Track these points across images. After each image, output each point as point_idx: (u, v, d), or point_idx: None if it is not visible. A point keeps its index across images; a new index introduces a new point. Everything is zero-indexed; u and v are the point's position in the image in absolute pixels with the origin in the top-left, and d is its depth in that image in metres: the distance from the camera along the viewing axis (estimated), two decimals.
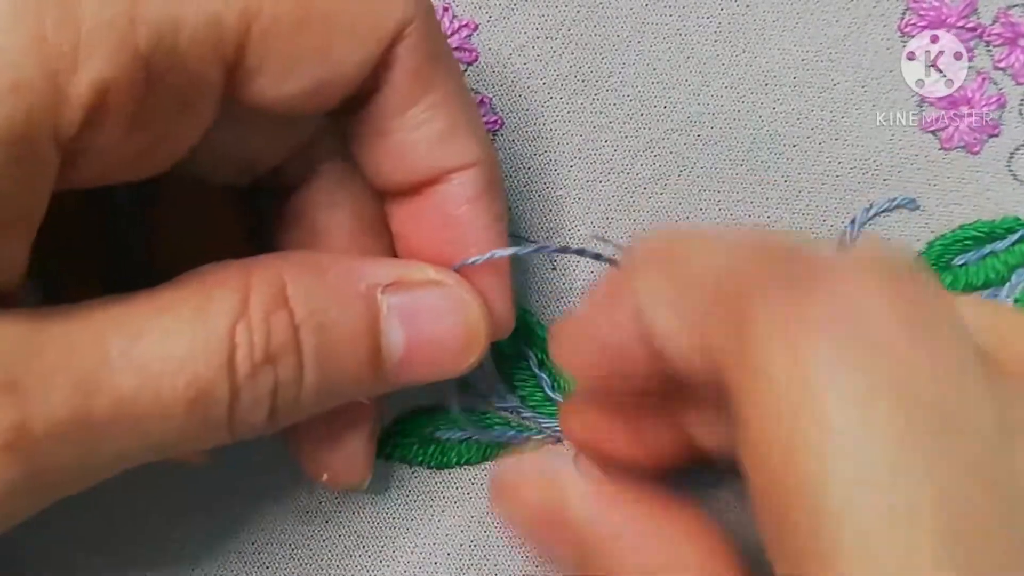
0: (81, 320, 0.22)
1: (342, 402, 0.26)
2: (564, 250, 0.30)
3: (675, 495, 0.24)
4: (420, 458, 0.32)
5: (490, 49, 0.32)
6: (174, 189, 0.28)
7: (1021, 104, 0.33)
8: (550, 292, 0.32)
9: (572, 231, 0.32)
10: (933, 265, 0.33)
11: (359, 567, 0.32)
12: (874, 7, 0.32)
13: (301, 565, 0.32)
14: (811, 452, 0.17)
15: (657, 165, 0.32)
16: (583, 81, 0.32)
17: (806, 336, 0.17)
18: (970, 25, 0.32)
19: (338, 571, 0.32)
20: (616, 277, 0.23)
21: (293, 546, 0.32)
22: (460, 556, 0.32)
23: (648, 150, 0.32)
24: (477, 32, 0.32)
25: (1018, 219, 0.33)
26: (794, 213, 0.32)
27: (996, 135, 0.33)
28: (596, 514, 0.24)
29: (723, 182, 0.32)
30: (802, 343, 0.17)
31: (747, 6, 0.32)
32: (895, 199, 0.33)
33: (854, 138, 0.32)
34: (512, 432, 0.32)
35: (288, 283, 0.24)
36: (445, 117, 0.25)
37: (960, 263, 0.33)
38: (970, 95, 0.32)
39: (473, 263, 0.27)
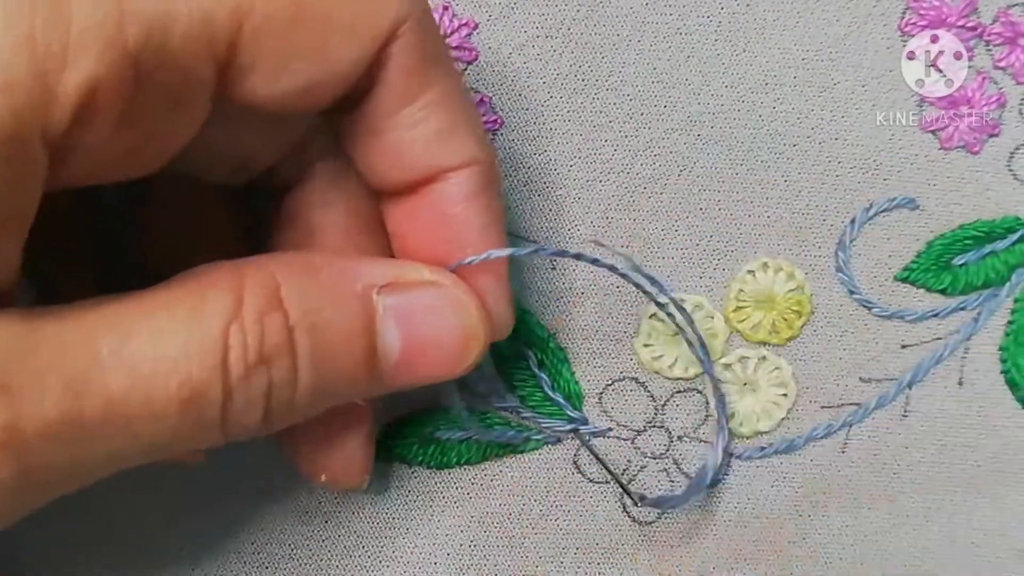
0: (73, 320, 0.22)
1: (338, 404, 0.26)
2: (562, 253, 0.29)
3: None
4: (420, 458, 0.32)
5: (490, 48, 0.32)
6: (167, 189, 0.28)
7: (1021, 104, 0.33)
8: (550, 292, 0.32)
9: (572, 230, 0.32)
10: (933, 265, 0.33)
11: (359, 567, 0.32)
12: (874, 6, 0.32)
13: (301, 565, 0.32)
14: None
15: (657, 164, 0.32)
16: (583, 80, 0.32)
17: None
18: (970, 24, 0.32)
19: (338, 571, 0.32)
20: None
21: (293, 546, 0.32)
22: (460, 556, 0.32)
23: (648, 149, 0.32)
24: (477, 31, 0.32)
25: (1018, 219, 0.33)
26: (794, 212, 0.32)
27: (996, 135, 0.33)
28: None
29: (723, 182, 0.32)
30: None
31: (747, 5, 0.32)
32: (895, 199, 0.32)
33: (854, 137, 0.32)
34: (512, 432, 0.32)
35: (282, 284, 0.24)
36: (442, 116, 0.25)
37: (960, 263, 0.33)
38: (970, 95, 0.32)
39: (470, 263, 0.26)
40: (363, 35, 0.24)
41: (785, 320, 0.33)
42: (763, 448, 0.33)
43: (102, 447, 0.22)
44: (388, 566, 0.32)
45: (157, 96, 0.22)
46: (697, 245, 0.32)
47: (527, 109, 0.32)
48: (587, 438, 0.32)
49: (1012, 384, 0.33)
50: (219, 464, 0.31)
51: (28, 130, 0.20)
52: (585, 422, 0.32)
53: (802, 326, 0.33)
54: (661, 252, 0.32)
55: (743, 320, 0.33)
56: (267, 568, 0.32)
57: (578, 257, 0.29)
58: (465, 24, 0.32)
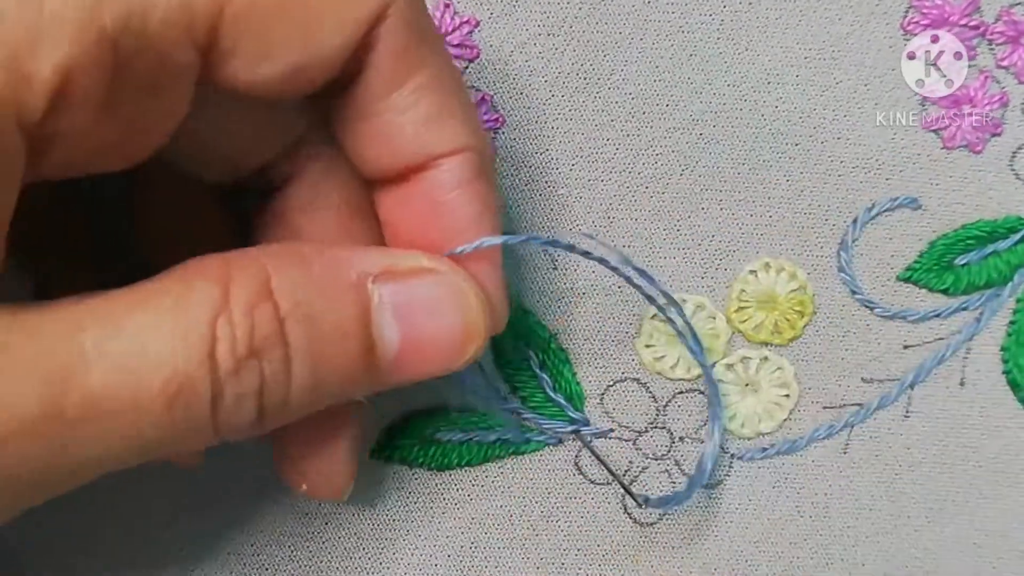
0: (56, 313, 0.21)
1: (335, 401, 0.25)
2: (554, 243, 0.29)
3: None
4: (420, 459, 0.32)
5: (491, 46, 0.31)
6: (162, 186, 0.28)
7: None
8: (551, 292, 0.32)
9: (573, 230, 0.32)
10: (935, 265, 0.33)
11: (359, 569, 0.32)
12: (877, 5, 0.32)
13: (301, 566, 0.32)
14: None
15: (659, 164, 0.32)
16: (585, 79, 0.32)
17: None
18: (973, 23, 0.32)
19: (338, 572, 0.32)
20: None
21: (293, 547, 0.32)
22: (460, 558, 0.32)
23: (650, 148, 0.32)
24: (478, 29, 0.31)
25: (1020, 218, 0.33)
26: (796, 212, 0.32)
27: (998, 134, 0.33)
28: None
29: (725, 181, 0.32)
30: None
31: (749, 4, 0.32)
32: (897, 198, 0.32)
33: (856, 137, 0.32)
34: (513, 433, 0.32)
35: (272, 274, 0.23)
36: (432, 100, 0.25)
37: (962, 263, 0.33)
38: (972, 94, 0.32)
39: (461, 252, 0.26)
40: (349, 18, 0.23)
41: (787, 320, 0.32)
42: (765, 449, 0.33)
43: (84, 446, 0.21)
44: (389, 567, 0.32)
45: (138, 81, 0.21)
46: (699, 245, 0.32)
47: (528, 107, 0.32)
48: (589, 439, 0.32)
49: (1014, 384, 0.33)
50: (219, 464, 0.31)
51: (1, 115, 0.19)
52: (587, 423, 0.32)
53: (804, 326, 0.33)
54: (663, 252, 0.32)
55: (745, 320, 0.32)
56: (267, 569, 0.32)
57: (570, 248, 0.29)
58: (466, 22, 0.31)
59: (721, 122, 0.32)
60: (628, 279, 0.29)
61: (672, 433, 0.33)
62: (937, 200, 0.32)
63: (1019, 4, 0.32)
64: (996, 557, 0.33)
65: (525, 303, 0.32)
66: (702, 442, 0.33)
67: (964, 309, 0.33)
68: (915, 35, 0.32)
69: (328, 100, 0.25)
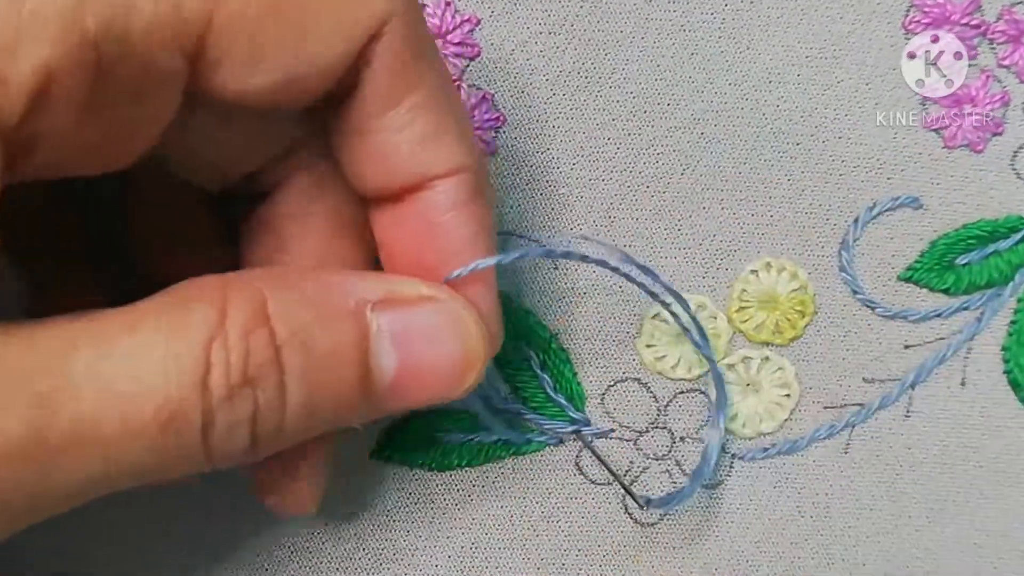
0: (47, 332, 0.21)
1: (330, 428, 0.25)
2: (549, 254, 0.28)
3: None
4: (421, 460, 0.32)
5: (492, 45, 0.31)
6: (154, 188, 0.27)
7: None
8: (552, 292, 0.32)
9: (574, 229, 0.32)
10: (936, 264, 0.32)
11: (360, 569, 0.32)
12: (878, 4, 0.32)
13: (301, 567, 0.32)
14: None
15: (660, 163, 0.32)
16: (586, 78, 0.32)
17: None
18: (974, 22, 0.32)
19: (338, 573, 0.32)
20: None
21: (293, 548, 0.32)
22: (461, 558, 0.32)
23: (651, 148, 0.32)
24: (479, 27, 0.31)
25: (1021, 218, 0.33)
26: (797, 211, 0.32)
27: (1000, 133, 0.32)
28: None
29: (726, 180, 0.32)
30: None
31: (751, 2, 0.32)
32: (898, 198, 0.32)
33: (857, 136, 0.32)
34: (514, 434, 0.32)
35: (269, 299, 0.22)
36: (428, 120, 0.24)
37: (963, 262, 0.33)
38: (974, 93, 0.32)
39: (457, 277, 0.25)
40: (343, 32, 0.23)
41: (788, 320, 0.32)
42: (766, 449, 0.33)
43: (71, 471, 0.20)
44: (389, 568, 0.32)
45: (121, 85, 0.21)
46: (700, 244, 0.32)
47: (529, 106, 0.32)
48: (589, 439, 0.32)
49: (1015, 384, 0.33)
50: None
51: None
52: (587, 423, 0.32)
53: (805, 326, 0.32)
54: (664, 251, 0.32)
55: (746, 320, 0.32)
56: (267, 570, 0.32)
57: (567, 256, 0.28)
58: (467, 20, 0.31)
59: (722, 121, 0.32)
60: (629, 277, 0.29)
61: (673, 433, 0.33)
62: (938, 200, 0.32)
63: (1020, 3, 0.32)
64: (997, 557, 0.33)
65: (525, 303, 0.32)
66: (703, 442, 0.32)
67: (965, 309, 0.33)
68: (916, 34, 0.32)
69: (324, 113, 0.25)
